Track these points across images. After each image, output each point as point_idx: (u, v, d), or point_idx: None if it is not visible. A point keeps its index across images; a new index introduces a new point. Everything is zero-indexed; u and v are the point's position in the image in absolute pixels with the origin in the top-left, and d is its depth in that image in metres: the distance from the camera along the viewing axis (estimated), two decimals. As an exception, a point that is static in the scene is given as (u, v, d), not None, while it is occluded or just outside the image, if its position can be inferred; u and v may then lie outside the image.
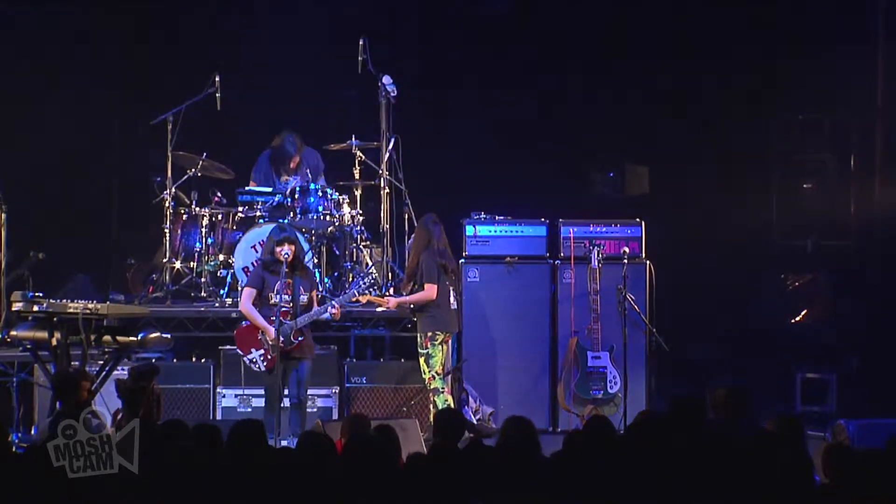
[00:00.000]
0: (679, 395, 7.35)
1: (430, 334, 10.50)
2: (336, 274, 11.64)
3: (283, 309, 9.81)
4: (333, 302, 10.16)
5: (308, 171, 11.98)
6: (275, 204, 11.53)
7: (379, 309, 10.88)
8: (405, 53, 12.58)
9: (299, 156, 12.06)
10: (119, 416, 8.11)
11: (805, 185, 12.91)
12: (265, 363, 9.93)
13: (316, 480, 5.95)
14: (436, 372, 10.45)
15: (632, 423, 7.20)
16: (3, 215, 10.89)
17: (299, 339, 9.93)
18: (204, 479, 5.96)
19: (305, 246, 11.14)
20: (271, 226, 10.79)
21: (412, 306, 10.60)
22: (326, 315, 10.06)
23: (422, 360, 10.50)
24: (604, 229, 11.67)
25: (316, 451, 6.22)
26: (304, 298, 9.99)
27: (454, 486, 5.89)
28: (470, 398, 11.28)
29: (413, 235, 10.89)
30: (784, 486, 5.85)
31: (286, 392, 9.93)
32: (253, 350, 9.97)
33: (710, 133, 13.04)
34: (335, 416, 10.78)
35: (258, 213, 11.56)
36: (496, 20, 13.24)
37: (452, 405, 10.53)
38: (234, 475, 5.99)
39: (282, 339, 9.74)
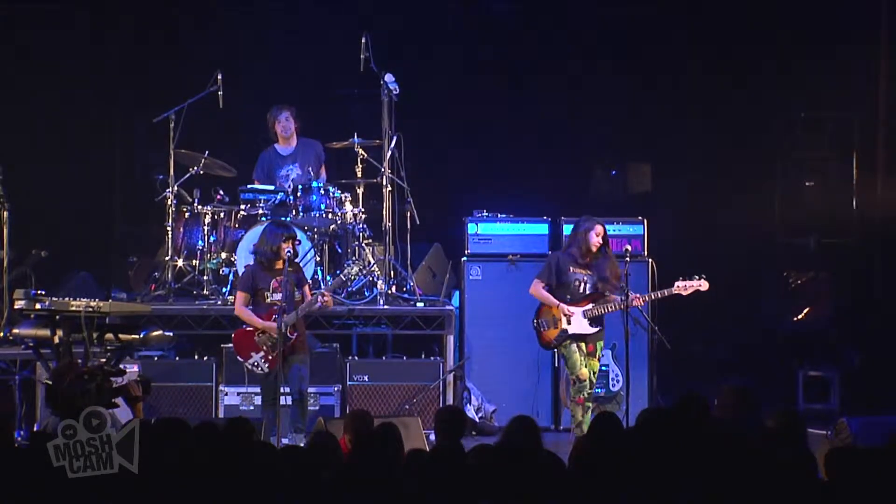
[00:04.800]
0: (685, 392, 7.35)
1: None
2: (339, 272, 11.64)
3: (283, 307, 9.81)
4: (323, 290, 10.14)
5: (309, 166, 11.95)
6: (277, 202, 11.54)
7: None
8: (407, 51, 12.57)
9: (291, 117, 12.01)
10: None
11: (807, 184, 12.92)
12: (267, 364, 9.91)
13: (320, 478, 5.95)
14: None
15: (636, 421, 7.20)
16: (6, 213, 10.90)
17: (294, 334, 9.89)
18: (203, 477, 5.97)
19: (307, 244, 11.16)
20: (273, 224, 10.81)
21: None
22: (318, 304, 9.99)
23: (596, 366, 10.17)
24: (606, 227, 11.66)
25: (321, 450, 6.23)
26: (298, 294, 10.00)
27: (456, 485, 5.88)
28: (472, 396, 11.29)
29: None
30: (786, 483, 5.85)
31: (286, 389, 9.92)
32: (253, 354, 9.95)
33: (713, 131, 13.04)
34: (337, 414, 10.78)
35: (260, 211, 11.56)
36: (498, 19, 13.24)
37: None
38: (229, 474, 5.98)
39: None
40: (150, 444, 6.06)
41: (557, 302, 10.12)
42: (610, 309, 10.05)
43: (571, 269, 10.13)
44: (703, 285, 10.14)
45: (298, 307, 9.86)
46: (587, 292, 10.10)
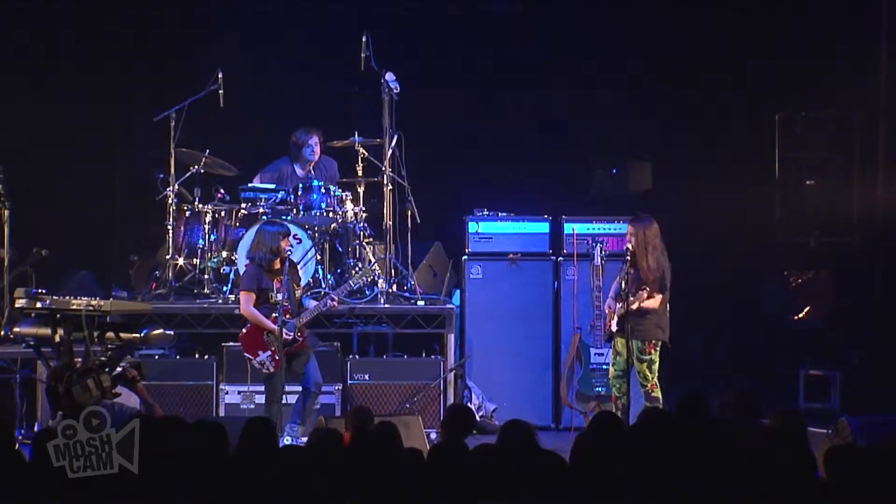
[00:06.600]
0: (685, 392, 7.36)
1: (654, 342, 10.11)
2: (339, 271, 11.65)
3: (284, 307, 9.84)
4: (332, 295, 10.20)
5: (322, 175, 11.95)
6: (278, 200, 11.54)
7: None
8: (407, 50, 12.58)
9: (319, 142, 11.99)
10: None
11: (808, 182, 12.90)
12: (273, 364, 9.94)
13: (324, 476, 5.95)
14: (657, 379, 10.12)
15: (636, 420, 7.21)
16: (7, 212, 10.90)
17: (305, 335, 9.98)
18: (209, 476, 5.96)
19: (308, 243, 11.17)
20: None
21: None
22: (325, 308, 10.10)
23: (644, 366, 10.06)
24: (606, 226, 11.69)
25: (325, 447, 6.23)
26: (297, 293, 10.06)
27: (456, 484, 5.88)
28: (473, 394, 11.29)
29: (643, 234, 10.11)
30: (786, 483, 5.85)
31: (289, 388, 9.96)
32: (261, 353, 9.98)
33: (713, 130, 13.04)
34: (338, 413, 10.79)
35: (261, 210, 11.57)
36: (498, 18, 13.24)
37: None
38: (245, 473, 5.98)
39: (292, 334, 9.81)
40: (150, 443, 6.07)
41: (608, 298, 10.33)
42: (627, 310, 10.05)
43: (627, 266, 10.16)
44: (635, 304, 10.10)
45: (304, 312, 9.93)
46: (629, 290, 10.13)
